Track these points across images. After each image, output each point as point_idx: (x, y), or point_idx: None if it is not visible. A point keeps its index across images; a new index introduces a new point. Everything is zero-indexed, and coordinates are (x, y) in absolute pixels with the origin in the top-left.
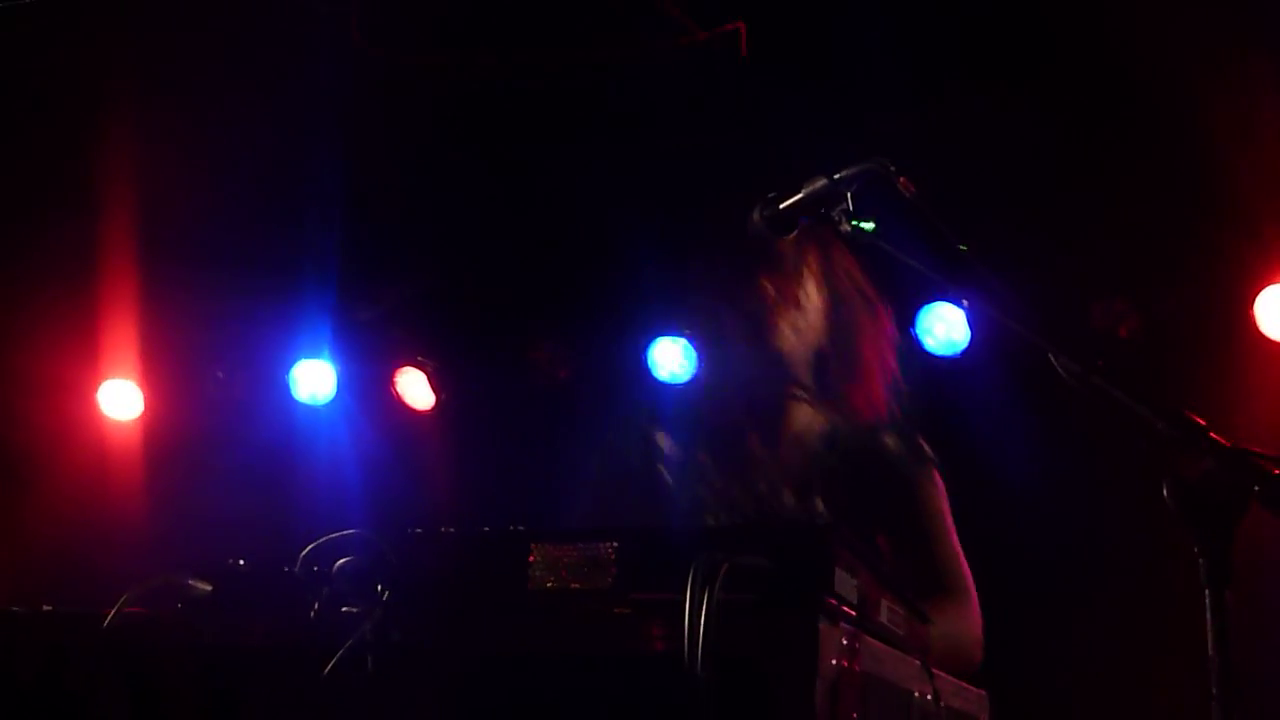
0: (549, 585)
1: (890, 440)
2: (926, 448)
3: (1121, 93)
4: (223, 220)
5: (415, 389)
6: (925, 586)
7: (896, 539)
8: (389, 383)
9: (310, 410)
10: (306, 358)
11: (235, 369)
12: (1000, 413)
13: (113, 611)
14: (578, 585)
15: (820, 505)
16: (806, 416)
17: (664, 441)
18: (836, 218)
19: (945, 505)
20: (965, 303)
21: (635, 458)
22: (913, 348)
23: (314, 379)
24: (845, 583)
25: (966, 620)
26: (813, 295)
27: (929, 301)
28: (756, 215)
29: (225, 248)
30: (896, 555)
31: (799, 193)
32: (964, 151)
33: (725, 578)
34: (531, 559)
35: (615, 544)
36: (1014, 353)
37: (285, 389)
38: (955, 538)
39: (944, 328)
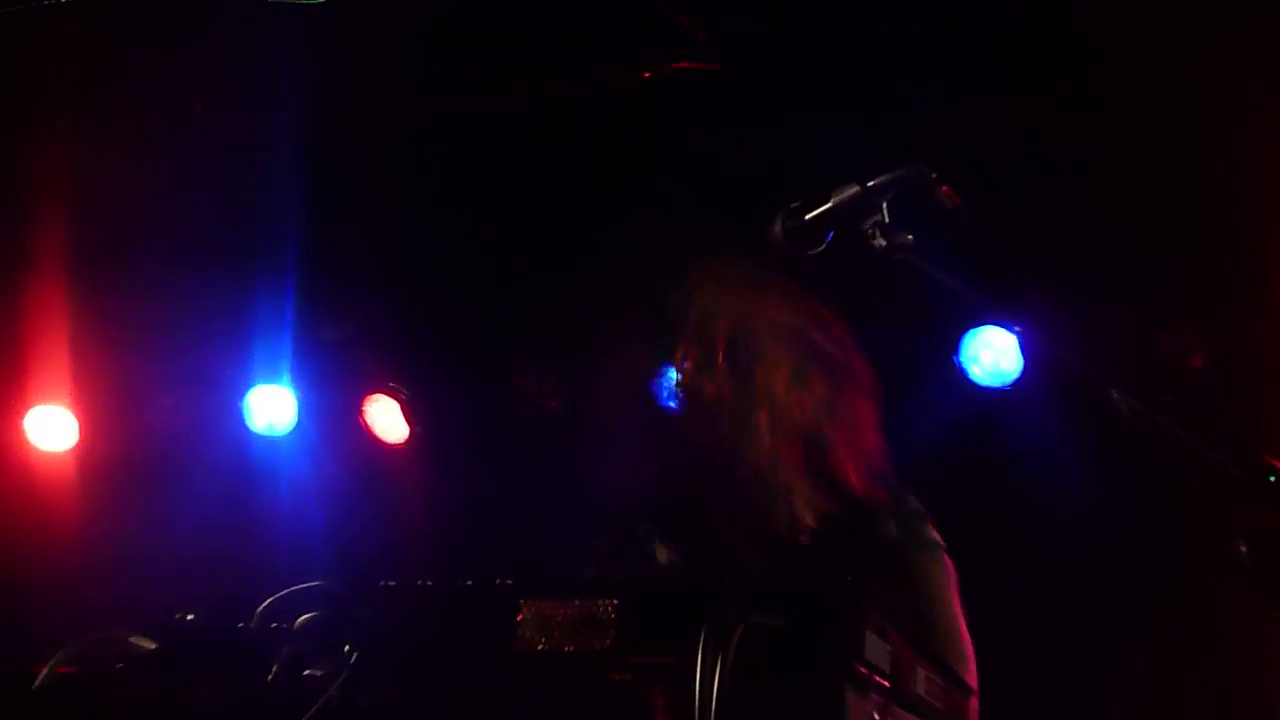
0: (540, 647)
1: (891, 526)
2: (935, 533)
3: (1188, 104)
4: (169, 229)
5: (386, 419)
6: None
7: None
8: (357, 412)
9: (268, 442)
10: (263, 383)
11: (182, 394)
12: (1055, 452)
13: (44, 671)
14: (572, 647)
15: None
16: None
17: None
18: (869, 230)
19: (955, 593)
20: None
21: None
22: (956, 378)
23: (272, 407)
24: (876, 647)
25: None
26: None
27: (975, 325)
28: (778, 227)
29: (172, 259)
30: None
31: (827, 202)
32: (1011, 162)
33: (740, 640)
34: (520, 617)
35: (615, 601)
36: (1070, 385)
37: (239, 418)
38: (963, 625)
39: (992, 355)
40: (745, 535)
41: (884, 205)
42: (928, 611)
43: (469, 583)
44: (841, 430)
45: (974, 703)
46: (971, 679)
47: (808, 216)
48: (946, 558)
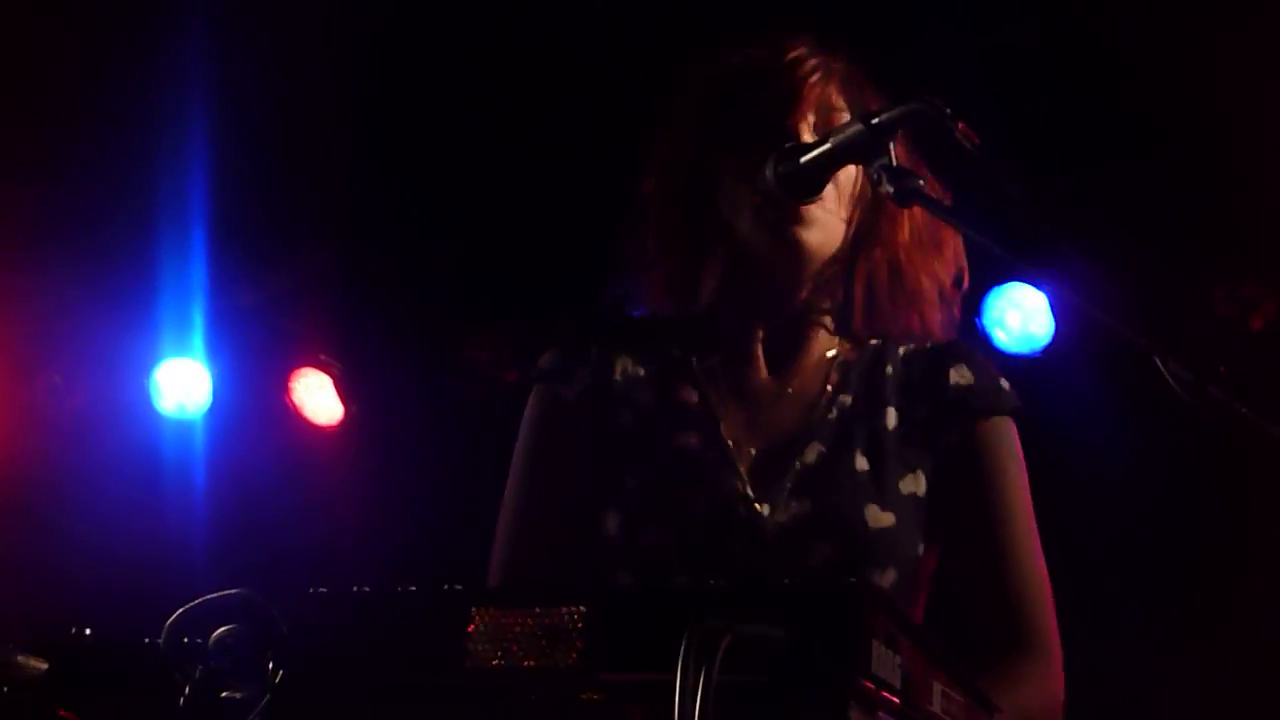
0: (494, 663)
1: (959, 372)
2: (1006, 386)
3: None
4: (56, 184)
5: (317, 397)
6: (998, 634)
7: (962, 548)
8: (283, 389)
9: (178, 425)
10: (172, 356)
11: (78, 372)
12: (1092, 427)
13: None
14: (532, 662)
15: (862, 461)
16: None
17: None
18: (874, 175)
19: (1025, 482)
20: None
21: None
22: (978, 343)
23: (182, 384)
24: (885, 660)
25: (1050, 689)
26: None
27: (999, 284)
28: (770, 172)
29: (60, 219)
30: (957, 572)
31: (825, 142)
32: (1042, 96)
33: (728, 652)
34: (471, 628)
35: (582, 608)
36: (1110, 351)
37: (145, 397)
38: (1038, 545)
39: (1019, 317)
40: None
41: (891, 146)
42: (1004, 534)
43: (412, 589)
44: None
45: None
46: (1054, 633)
47: (803, 159)
48: (1015, 426)
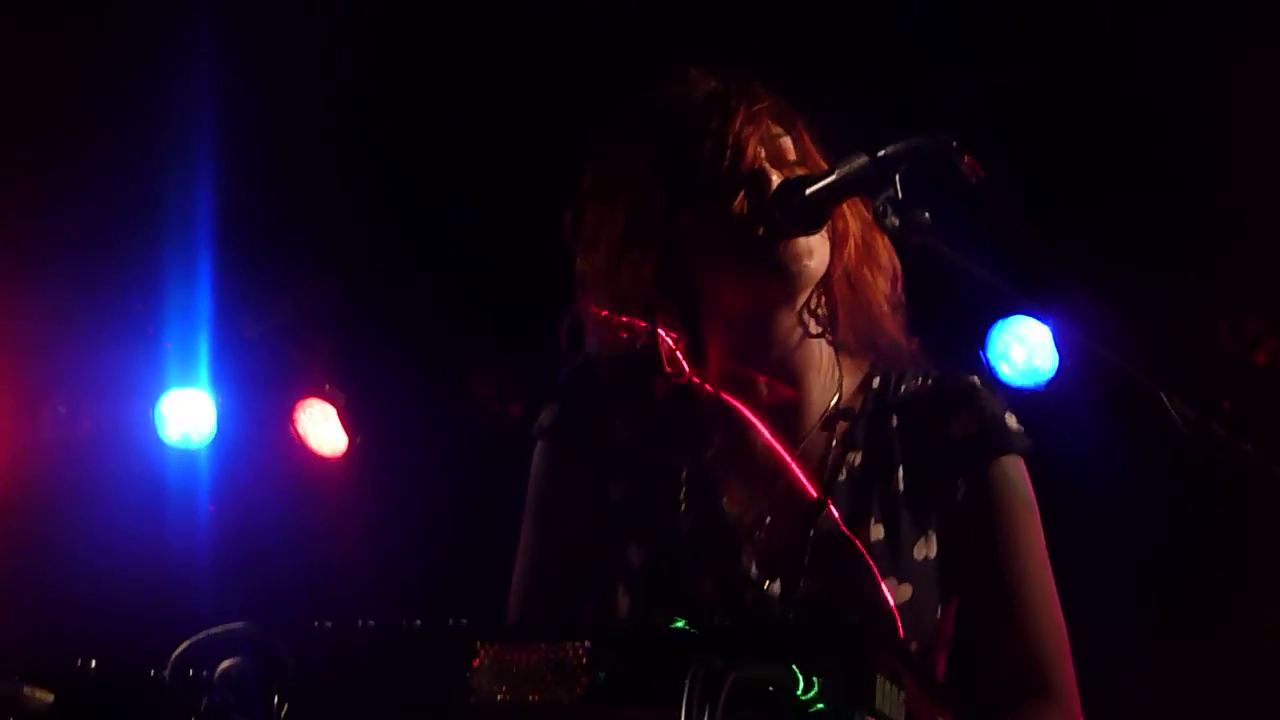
0: (499, 698)
1: (962, 420)
2: (1015, 424)
3: (1254, 69)
4: (62, 214)
5: (322, 428)
6: (1015, 683)
7: (977, 599)
8: (287, 420)
9: (183, 455)
10: (177, 387)
11: (83, 402)
12: (1095, 464)
13: None
14: (536, 698)
15: (876, 530)
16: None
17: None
18: (880, 208)
19: (1038, 525)
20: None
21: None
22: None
23: (188, 414)
24: (889, 697)
25: None
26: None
27: (1003, 317)
28: (776, 204)
29: (66, 249)
30: (971, 622)
31: (830, 174)
32: (1044, 126)
33: (732, 691)
34: (476, 663)
35: (586, 644)
36: (1114, 386)
37: (150, 428)
38: (1053, 591)
39: (1024, 351)
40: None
41: (897, 179)
42: (1019, 578)
43: (417, 624)
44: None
45: None
46: (1071, 678)
47: (808, 191)
48: (1024, 465)
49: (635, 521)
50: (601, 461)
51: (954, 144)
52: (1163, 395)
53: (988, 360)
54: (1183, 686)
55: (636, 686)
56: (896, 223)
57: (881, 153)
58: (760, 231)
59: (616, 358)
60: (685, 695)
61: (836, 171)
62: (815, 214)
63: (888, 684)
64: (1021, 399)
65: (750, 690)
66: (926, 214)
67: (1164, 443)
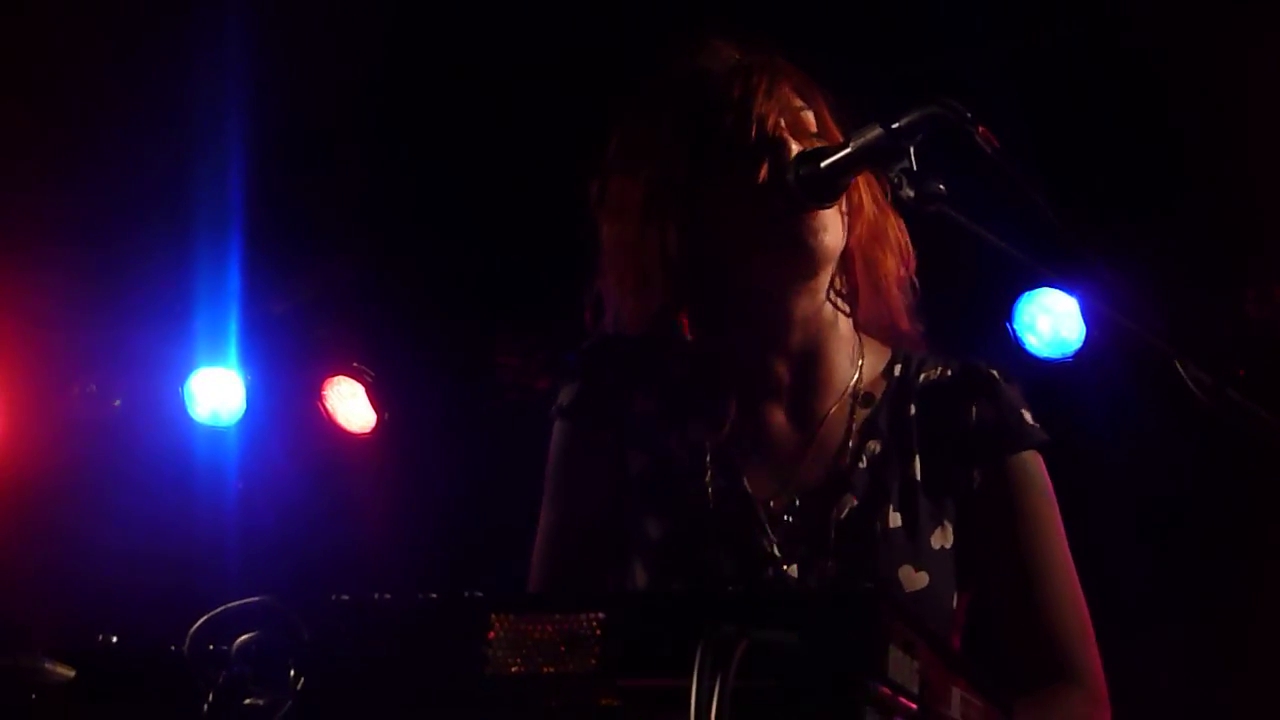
0: (513, 669)
1: (981, 408)
2: (1031, 418)
3: None
4: (90, 195)
5: (350, 405)
6: (1039, 670)
7: (997, 589)
8: (316, 397)
9: (211, 433)
10: (206, 365)
11: (112, 381)
12: (1125, 435)
13: None
14: (551, 669)
15: (895, 518)
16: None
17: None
18: (895, 179)
19: (1058, 517)
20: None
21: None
22: (1009, 348)
23: (217, 392)
24: (902, 665)
25: (1091, 712)
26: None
27: (1030, 289)
28: (791, 176)
29: (95, 228)
30: (993, 613)
31: (845, 146)
32: (1067, 93)
33: (744, 658)
34: (491, 634)
35: (600, 615)
36: (1140, 356)
37: (179, 405)
38: (1074, 576)
39: (1050, 322)
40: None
41: (911, 149)
42: (1039, 562)
43: (432, 596)
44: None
45: None
46: (1097, 662)
47: (824, 163)
48: (1042, 459)
49: (654, 496)
50: (621, 435)
51: (968, 114)
52: (1177, 361)
53: (1015, 332)
54: (1205, 652)
55: (650, 656)
56: (912, 194)
57: (896, 124)
58: (778, 204)
59: (636, 333)
60: (697, 664)
61: (851, 143)
62: (831, 186)
63: (901, 652)
64: (1049, 370)
65: (763, 658)
66: (942, 184)
67: (1189, 411)
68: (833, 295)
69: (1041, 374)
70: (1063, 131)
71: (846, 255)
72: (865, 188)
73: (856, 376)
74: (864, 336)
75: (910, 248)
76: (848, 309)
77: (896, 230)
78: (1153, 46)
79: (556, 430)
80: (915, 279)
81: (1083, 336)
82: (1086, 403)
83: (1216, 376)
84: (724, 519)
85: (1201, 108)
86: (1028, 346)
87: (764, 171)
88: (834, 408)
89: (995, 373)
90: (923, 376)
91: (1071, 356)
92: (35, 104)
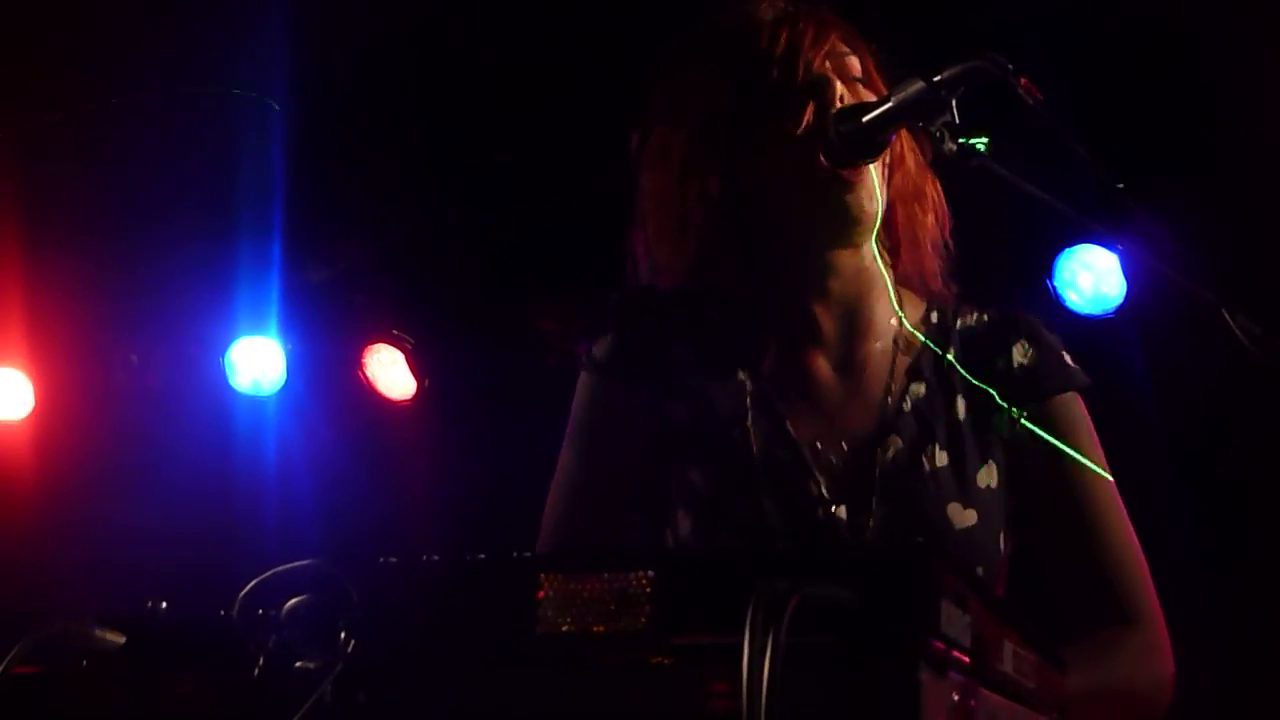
0: (564, 628)
1: (1021, 350)
2: (1071, 360)
3: None
4: (132, 165)
5: (390, 372)
6: (1095, 611)
7: (1047, 531)
8: (356, 365)
9: (253, 402)
10: (247, 335)
11: (153, 351)
12: (1173, 392)
13: None
14: (601, 628)
15: (941, 457)
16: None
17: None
18: (937, 133)
19: (1103, 459)
20: (1120, 246)
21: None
22: (1051, 305)
23: (257, 362)
24: (955, 620)
25: (1156, 663)
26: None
27: (1069, 245)
28: (832, 132)
29: (136, 199)
30: (1044, 556)
31: (887, 101)
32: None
33: (796, 614)
34: (541, 594)
35: (650, 573)
36: (1183, 311)
37: (220, 375)
38: (1126, 517)
39: (1091, 278)
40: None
41: (953, 103)
42: (1094, 508)
43: (481, 557)
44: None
45: (1111, 677)
46: (1155, 602)
47: (865, 119)
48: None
49: (697, 444)
50: (658, 387)
51: (1010, 66)
52: (1225, 312)
53: (1055, 288)
54: (1247, 609)
55: (701, 613)
56: (954, 148)
57: (937, 78)
58: (821, 159)
59: (672, 285)
60: (749, 620)
61: (893, 98)
62: (873, 141)
63: (954, 607)
64: (1090, 326)
65: (815, 614)
66: (985, 138)
67: (1237, 363)
68: (877, 247)
69: (1082, 330)
70: (1104, 86)
71: (888, 209)
72: (908, 146)
73: (897, 322)
74: (900, 286)
75: (945, 210)
76: (889, 260)
77: (935, 191)
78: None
79: (586, 382)
80: (950, 242)
81: (1124, 293)
82: (1130, 359)
83: (1268, 327)
84: (769, 463)
85: (1247, 58)
86: (1068, 303)
87: (808, 116)
88: (877, 352)
89: (1032, 317)
90: (959, 322)
91: (1113, 313)
92: (78, 75)
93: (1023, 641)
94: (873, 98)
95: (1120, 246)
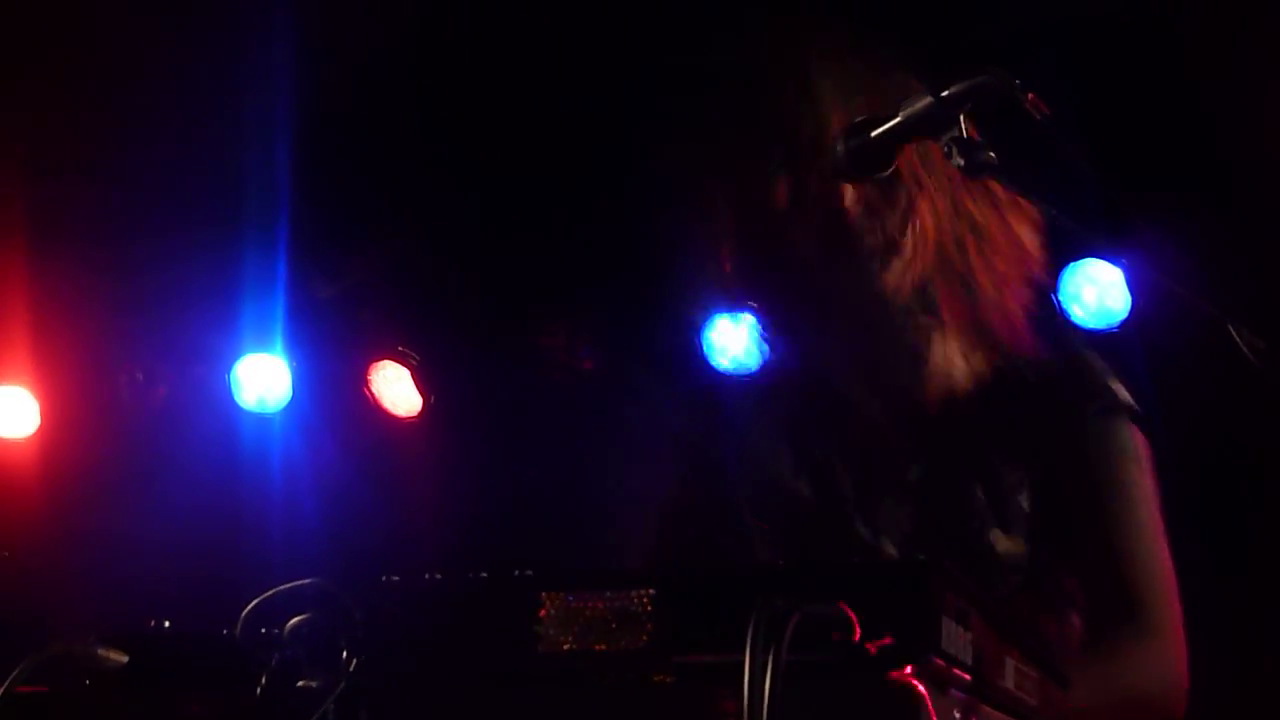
0: (565, 647)
1: (1063, 382)
2: (1122, 391)
3: None
4: (136, 180)
5: (395, 389)
6: (1107, 608)
7: (1076, 531)
8: (362, 381)
9: (258, 419)
10: (252, 352)
11: (159, 368)
12: (1178, 407)
13: (0, 690)
14: (603, 646)
15: (977, 492)
16: (944, 356)
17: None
18: (945, 148)
19: (1148, 481)
20: (1124, 260)
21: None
22: (1055, 319)
23: (263, 378)
24: (955, 636)
25: (1161, 664)
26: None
27: (1073, 259)
28: (841, 148)
29: (141, 215)
30: (1076, 553)
31: (895, 116)
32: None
33: (796, 632)
34: (542, 613)
35: (651, 591)
36: (1187, 325)
37: (226, 392)
38: (1160, 532)
39: (1095, 292)
40: (877, 416)
41: (961, 118)
42: (1114, 511)
43: (482, 575)
44: (1001, 264)
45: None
46: (1171, 608)
47: (873, 134)
48: (1137, 428)
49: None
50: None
51: (1017, 81)
52: (1229, 326)
53: (1059, 302)
54: (1256, 624)
55: (702, 631)
56: (962, 163)
57: (944, 93)
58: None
59: None
60: (749, 638)
61: (901, 113)
62: (881, 157)
63: (954, 624)
64: (1094, 340)
65: (815, 632)
66: (992, 153)
67: (1242, 377)
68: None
69: (1087, 344)
70: (1109, 100)
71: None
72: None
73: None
74: (943, 331)
75: (1028, 241)
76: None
77: (999, 223)
78: (1202, 12)
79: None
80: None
81: (1128, 307)
82: (1134, 373)
83: (1271, 341)
84: (810, 492)
85: (1252, 71)
86: (1073, 318)
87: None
88: (904, 365)
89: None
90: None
91: (1118, 327)
92: (81, 92)
93: (1024, 658)
94: None
95: (1125, 260)
